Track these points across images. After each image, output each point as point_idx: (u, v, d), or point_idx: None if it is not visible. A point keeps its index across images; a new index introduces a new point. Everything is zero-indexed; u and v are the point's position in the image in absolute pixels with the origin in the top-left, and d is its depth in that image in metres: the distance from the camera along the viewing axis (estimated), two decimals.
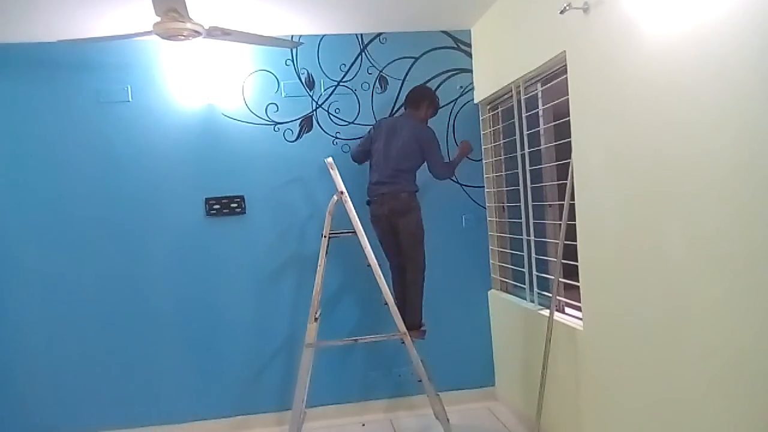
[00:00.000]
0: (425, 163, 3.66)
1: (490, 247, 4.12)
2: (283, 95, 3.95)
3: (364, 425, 3.92)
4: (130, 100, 3.82)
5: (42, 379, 3.79)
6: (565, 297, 3.18)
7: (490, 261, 4.13)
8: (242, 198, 3.92)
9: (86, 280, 3.81)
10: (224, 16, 3.40)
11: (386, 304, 3.49)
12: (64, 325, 3.80)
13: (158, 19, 2.69)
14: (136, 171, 3.84)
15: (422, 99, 3.76)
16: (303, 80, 3.97)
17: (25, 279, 3.77)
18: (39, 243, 3.78)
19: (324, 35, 3.97)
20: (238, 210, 3.92)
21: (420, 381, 3.53)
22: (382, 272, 3.48)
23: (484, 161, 4.14)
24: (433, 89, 3.92)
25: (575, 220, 2.79)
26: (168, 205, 3.87)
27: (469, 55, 4.11)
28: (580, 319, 2.88)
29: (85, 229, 3.81)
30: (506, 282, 4.02)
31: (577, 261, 2.82)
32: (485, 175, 4.14)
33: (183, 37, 2.78)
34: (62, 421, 3.79)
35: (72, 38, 3.13)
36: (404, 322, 3.46)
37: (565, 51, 2.76)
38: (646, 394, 2.32)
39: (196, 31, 2.76)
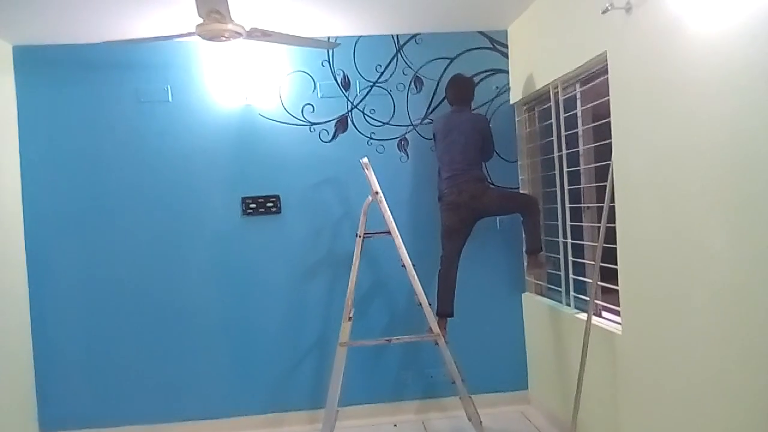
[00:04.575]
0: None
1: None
2: (319, 96, 3.99)
3: (396, 426, 3.92)
4: (170, 100, 3.90)
5: (81, 374, 3.88)
6: (601, 300, 3.14)
7: (525, 264, 4.09)
8: (278, 198, 3.96)
9: (124, 277, 3.90)
10: (263, 17, 3.44)
11: (419, 304, 3.50)
12: (102, 321, 3.89)
13: (201, 20, 2.74)
14: (175, 170, 3.91)
15: (468, 93, 3.81)
16: (339, 81, 4.00)
17: (65, 275, 3.87)
18: (78, 239, 3.87)
19: (360, 36, 3.99)
20: (274, 209, 3.96)
21: (453, 383, 3.53)
22: (417, 273, 3.48)
23: (519, 163, 4.11)
24: (461, 75, 3.86)
25: (614, 223, 2.75)
26: (206, 203, 3.94)
27: (506, 55, 4.09)
28: (619, 323, 2.83)
29: (124, 226, 3.90)
30: (540, 285, 3.98)
31: (615, 264, 2.78)
32: (520, 177, 4.11)
33: (224, 38, 2.83)
34: (99, 414, 3.87)
35: (116, 39, 3.20)
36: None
37: (606, 51, 2.73)
38: (688, 402, 2.27)
39: (237, 32, 2.80)
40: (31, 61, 3.82)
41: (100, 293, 3.88)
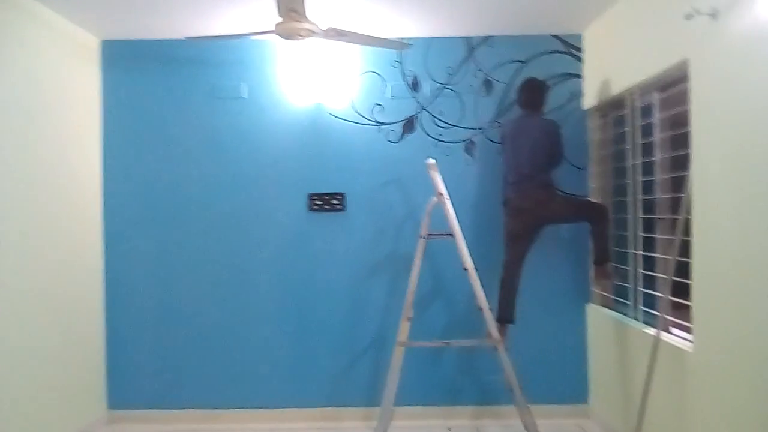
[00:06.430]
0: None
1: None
2: (389, 96, 4.01)
3: (450, 430, 3.90)
4: (244, 96, 4.02)
5: (149, 358, 4.05)
6: (671, 316, 3.02)
7: (591, 274, 3.98)
8: (343, 195, 4.02)
9: (194, 267, 4.04)
10: (337, 17, 3.50)
11: (480, 308, 3.46)
12: (172, 308, 4.05)
13: (280, 19, 2.81)
14: (246, 164, 4.03)
15: (540, 98, 3.72)
16: (409, 82, 4.02)
17: (141, 264, 4.05)
18: (152, 229, 4.05)
19: (432, 38, 3.99)
20: (339, 207, 4.01)
21: (510, 390, 3.47)
22: (479, 276, 3.45)
23: (590, 170, 4.01)
24: (535, 79, 3.80)
25: (689, 236, 2.65)
26: (274, 198, 4.04)
27: (580, 60, 4.00)
28: (690, 340, 2.72)
29: (196, 218, 4.05)
30: (607, 296, 3.86)
31: (687, 278, 2.67)
32: (590, 185, 4.01)
33: (300, 37, 2.90)
34: (163, 396, 4.03)
35: (198, 36, 3.32)
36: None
37: (688, 59, 2.63)
38: (765, 425, 2.15)
39: (313, 31, 2.86)
40: (117, 55, 4.03)
41: (170, 281, 4.04)
